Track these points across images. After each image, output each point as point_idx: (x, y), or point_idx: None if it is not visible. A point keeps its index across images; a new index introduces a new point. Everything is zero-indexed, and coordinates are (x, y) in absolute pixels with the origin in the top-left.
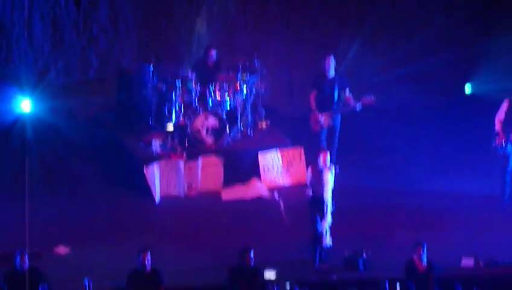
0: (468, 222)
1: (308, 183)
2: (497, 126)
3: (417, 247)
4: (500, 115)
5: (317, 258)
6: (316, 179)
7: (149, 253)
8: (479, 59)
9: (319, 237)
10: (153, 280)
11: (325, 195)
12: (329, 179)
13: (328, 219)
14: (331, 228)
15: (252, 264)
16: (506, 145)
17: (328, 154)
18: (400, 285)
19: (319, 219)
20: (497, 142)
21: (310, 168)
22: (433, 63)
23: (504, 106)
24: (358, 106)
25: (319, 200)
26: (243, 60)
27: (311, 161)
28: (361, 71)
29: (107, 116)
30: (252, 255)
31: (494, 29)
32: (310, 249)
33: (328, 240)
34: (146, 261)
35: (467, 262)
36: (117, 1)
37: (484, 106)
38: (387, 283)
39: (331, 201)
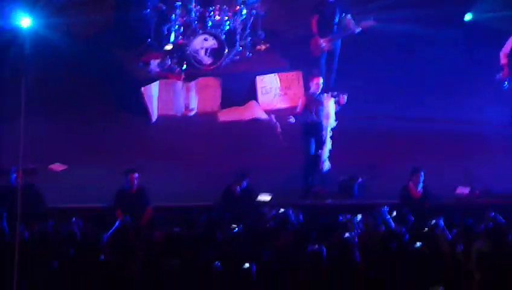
0: (467, 151)
1: (299, 109)
2: (503, 60)
3: (414, 174)
4: (506, 49)
5: (310, 182)
6: (313, 105)
7: (136, 174)
8: None
9: (314, 161)
10: (139, 199)
11: (324, 121)
12: (330, 106)
13: (328, 144)
14: (329, 152)
15: (245, 186)
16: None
17: (321, 79)
18: (396, 211)
19: (314, 144)
20: (501, 76)
21: (303, 96)
22: None
23: (511, 41)
24: (358, 29)
25: (316, 126)
26: None
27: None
28: None
29: (106, 36)
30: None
31: None
32: (304, 174)
33: (326, 165)
34: (133, 182)
35: (462, 191)
36: None
37: (484, 34)
38: (386, 209)
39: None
